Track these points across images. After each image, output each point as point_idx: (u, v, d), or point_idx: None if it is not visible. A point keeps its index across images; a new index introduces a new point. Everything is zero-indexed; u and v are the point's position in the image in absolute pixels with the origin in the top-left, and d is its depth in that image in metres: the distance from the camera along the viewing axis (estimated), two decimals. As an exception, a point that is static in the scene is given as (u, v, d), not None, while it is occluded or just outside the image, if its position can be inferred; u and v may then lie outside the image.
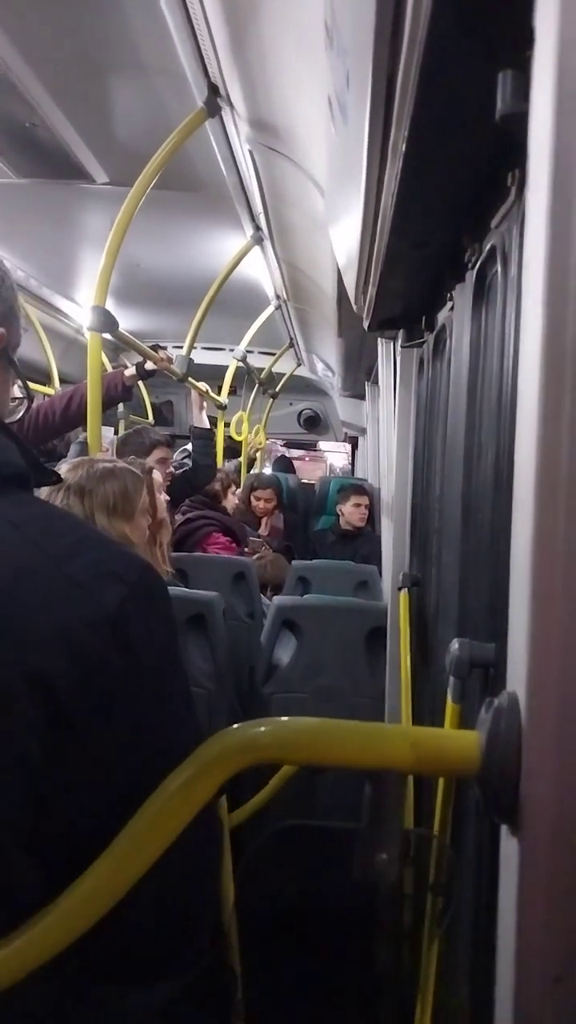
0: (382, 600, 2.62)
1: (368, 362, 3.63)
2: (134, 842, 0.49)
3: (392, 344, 2.32)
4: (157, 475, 1.82)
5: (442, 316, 1.55)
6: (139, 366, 2.68)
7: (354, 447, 7.56)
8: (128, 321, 3.60)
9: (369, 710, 2.18)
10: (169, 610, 0.68)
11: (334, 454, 9.89)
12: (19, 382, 0.76)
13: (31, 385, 0.82)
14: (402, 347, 1.95)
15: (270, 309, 3.96)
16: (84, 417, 2.13)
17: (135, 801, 0.51)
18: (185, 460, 3.33)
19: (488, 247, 1.04)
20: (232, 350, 4.27)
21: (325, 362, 4.86)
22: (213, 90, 1.81)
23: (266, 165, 2.05)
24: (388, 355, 2.51)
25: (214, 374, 4.22)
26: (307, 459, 9.91)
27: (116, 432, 4.32)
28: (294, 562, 3.23)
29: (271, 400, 6.15)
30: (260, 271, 3.38)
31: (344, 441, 7.75)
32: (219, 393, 4.07)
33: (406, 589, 1.91)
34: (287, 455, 8.41)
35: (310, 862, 1.26)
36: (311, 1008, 1.34)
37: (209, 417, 3.27)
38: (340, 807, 2.02)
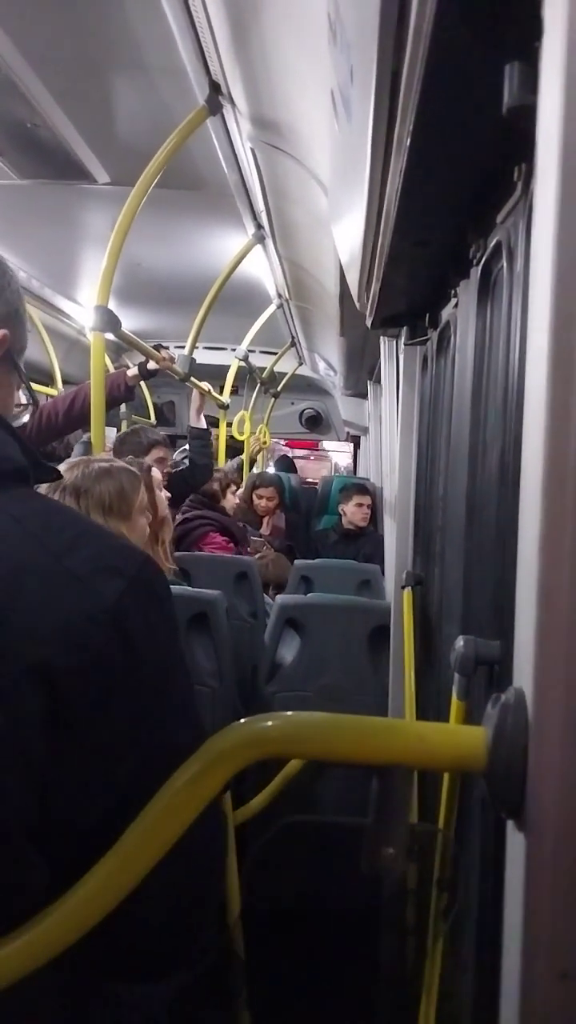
0: (384, 599, 2.62)
1: (370, 361, 3.63)
2: (142, 836, 0.49)
3: (395, 342, 2.32)
4: (156, 473, 1.82)
5: (446, 313, 1.55)
6: (141, 366, 2.67)
7: (356, 447, 7.56)
8: (130, 321, 3.60)
9: (372, 709, 2.18)
10: (169, 604, 0.68)
11: (338, 453, 9.88)
12: (24, 387, 0.76)
13: (33, 386, 0.82)
14: (405, 345, 1.95)
15: (272, 308, 3.96)
16: (87, 418, 2.13)
17: (137, 796, 0.51)
18: (184, 460, 3.33)
19: (493, 243, 1.03)
20: (234, 350, 4.28)
21: (327, 361, 4.85)
22: (214, 88, 1.81)
23: (268, 163, 2.05)
24: (391, 353, 2.51)
25: (216, 374, 4.22)
26: (312, 458, 9.90)
27: (119, 432, 4.32)
28: (297, 561, 3.23)
29: (273, 400, 6.15)
30: (262, 270, 3.38)
31: (346, 441, 7.74)
32: (221, 393, 4.07)
33: (410, 587, 1.91)
34: (289, 455, 8.41)
35: (314, 858, 1.26)
36: (316, 1003, 1.34)
37: (210, 417, 3.27)
38: (343, 805, 2.02)
